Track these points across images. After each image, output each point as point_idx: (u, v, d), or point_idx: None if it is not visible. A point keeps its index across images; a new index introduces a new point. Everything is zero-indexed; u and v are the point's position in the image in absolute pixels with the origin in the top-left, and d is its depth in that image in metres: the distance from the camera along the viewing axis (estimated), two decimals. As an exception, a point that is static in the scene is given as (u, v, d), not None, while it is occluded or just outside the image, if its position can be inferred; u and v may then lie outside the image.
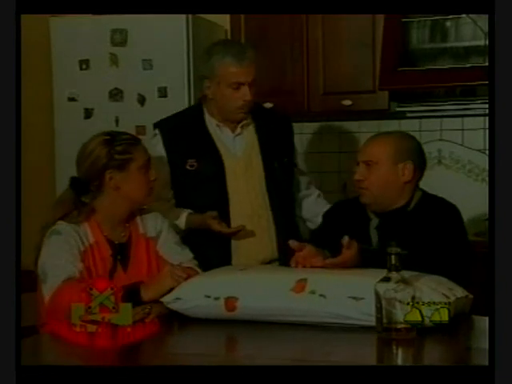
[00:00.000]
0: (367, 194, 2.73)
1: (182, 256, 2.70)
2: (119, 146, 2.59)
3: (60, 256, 2.48)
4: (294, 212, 3.24)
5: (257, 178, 3.09)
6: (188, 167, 3.04)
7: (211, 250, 2.91)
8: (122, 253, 2.59)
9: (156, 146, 3.06)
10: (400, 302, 2.08)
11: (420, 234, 2.61)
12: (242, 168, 3.08)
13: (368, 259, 2.49)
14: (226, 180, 3.05)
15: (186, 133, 3.08)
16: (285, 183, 3.15)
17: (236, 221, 3.03)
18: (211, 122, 3.09)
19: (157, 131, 3.11)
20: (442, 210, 2.72)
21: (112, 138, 2.61)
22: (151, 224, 2.70)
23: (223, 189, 3.04)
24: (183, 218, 2.98)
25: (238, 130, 3.10)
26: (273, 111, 3.37)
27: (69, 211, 2.59)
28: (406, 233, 2.61)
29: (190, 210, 3.01)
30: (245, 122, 3.10)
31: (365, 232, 2.74)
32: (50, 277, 2.45)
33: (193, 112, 3.18)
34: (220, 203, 3.02)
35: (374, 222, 2.75)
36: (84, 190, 2.61)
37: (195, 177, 3.04)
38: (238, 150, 3.10)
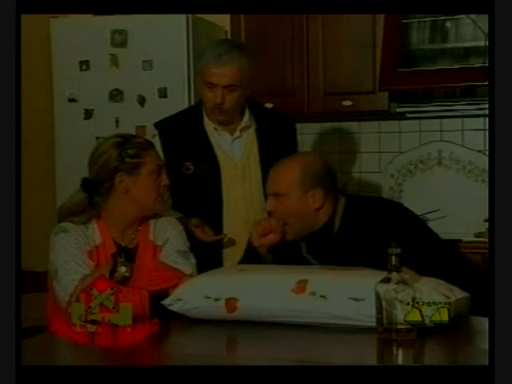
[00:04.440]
0: (286, 229, 2.66)
1: (179, 265, 2.58)
2: (131, 150, 2.56)
3: (71, 253, 2.48)
4: None
5: (254, 183, 3.06)
6: (184, 170, 3.02)
7: (202, 254, 2.79)
8: (128, 257, 2.57)
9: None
10: (400, 302, 2.08)
11: (359, 245, 2.58)
12: (238, 172, 3.05)
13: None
14: (221, 184, 3.03)
15: (183, 135, 3.06)
16: None
17: (231, 226, 3.01)
18: (209, 125, 3.07)
19: (156, 132, 3.10)
20: (377, 211, 2.68)
21: (124, 141, 2.58)
22: (161, 231, 2.64)
23: (218, 193, 3.02)
24: None
25: (237, 133, 3.07)
26: (276, 112, 3.34)
27: (78, 212, 2.57)
28: (338, 250, 2.60)
29: (180, 214, 2.96)
30: (244, 124, 3.07)
31: (301, 259, 2.70)
32: (63, 275, 2.44)
33: (192, 113, 3.16)
34: (214, 207, 3.01)
35: (304, 248, 2.73)
36: (95, 191, 2.59)
37: (191, 180, 3.02)
38: (236, 153, 3.07)
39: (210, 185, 3.02)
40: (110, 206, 2.59)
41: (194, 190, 3.02)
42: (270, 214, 2.72)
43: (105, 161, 2.56)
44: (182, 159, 3.03)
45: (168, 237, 2.64)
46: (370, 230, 2.60)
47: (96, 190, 2.58)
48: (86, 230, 2.55)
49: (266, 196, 3.03)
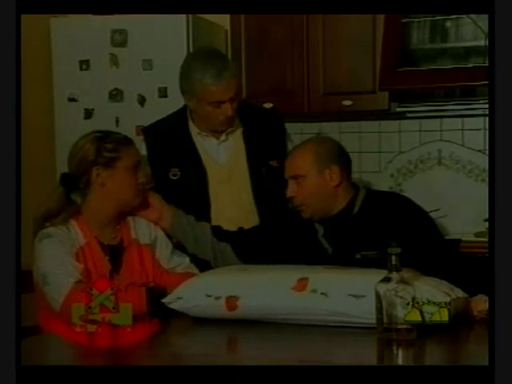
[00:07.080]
0: (304, 209, 2.73)
1: (181, 263, 2.70)
2: (109, 144, 2.59)
3: (58, 256, 2.47)
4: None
5: (242, 185, 3.01)
6: (171, 176, 2.99)
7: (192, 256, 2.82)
8: (113, 255, 2.58)
9: (142, 151, 2.99)
10: (401, 302, 2.08)
11: (373, 233, 2.60)
12: (225, 175, 3.01)
13: None
14: (208, 188, 2.99)
15: (169, 140, 3.03)
16: (274, 188, 2.98)
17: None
18: (194, 129, 3.03)
19: (143, 138, 3.07)
20: (394, 205, 2.71)
21: (103, 136, 2.62)
22: (144, 231, 2.68)
23: (205, 197, 2.98)
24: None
25: (223, 137, 3.02)
26: (265, 111, 3.27)
27: (57, 212, 2.58)
28: (355, 234, 2.63)
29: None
30: (230, 129, 3.02)
31: (315, 242, 2.74)
32: (54, 280, 2.43)
33: (177, 118, 3.09)
34: (201, 212, 2.95)
35: (320, 230, 2.75)
36: (73, 187, 2.61)
37: (178, 186, 2.98)
38: (222, 157, 3.03)
39: (197, 189, 2.98)
40: (88, 202, 2.60)
41: (182, 196, 2.96)
42: (291, 199, 2.76)
43: (83, 154, 2.58)
44: (169, 165, 3.00)
45: (156, 236, 2.69)
46: (386, 221, 2.63)
47: (74, 184, 2.60)
48: (69, 231, 2.55)
49: (255, 199, 3.02)
